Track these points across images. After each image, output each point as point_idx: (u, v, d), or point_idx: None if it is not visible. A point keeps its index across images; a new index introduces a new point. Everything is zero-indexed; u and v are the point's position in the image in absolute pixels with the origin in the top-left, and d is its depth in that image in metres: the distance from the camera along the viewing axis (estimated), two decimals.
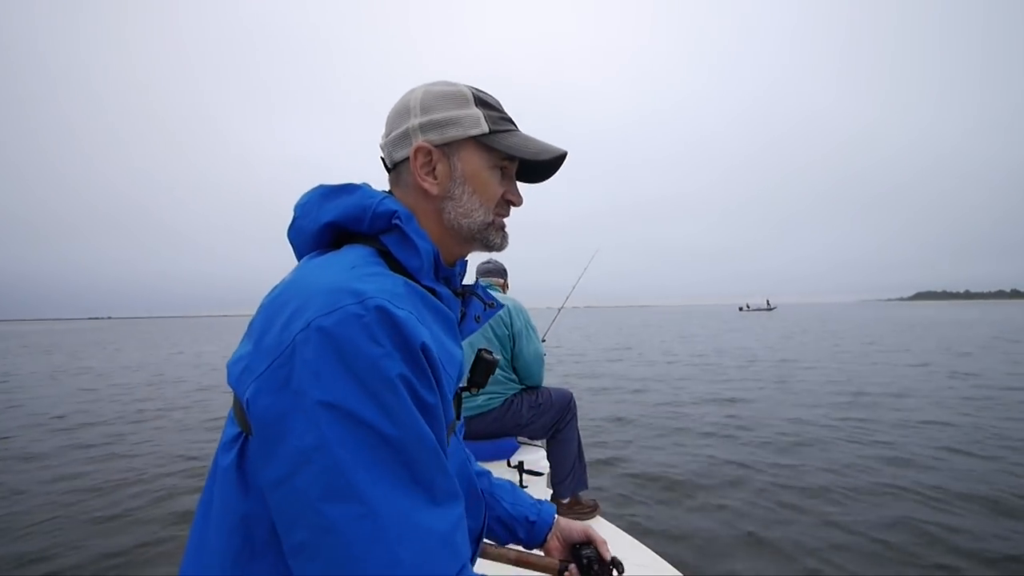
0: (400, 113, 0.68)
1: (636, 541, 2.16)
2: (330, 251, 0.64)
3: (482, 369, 0.82)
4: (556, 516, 0.94)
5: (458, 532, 0.51)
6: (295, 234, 0.68)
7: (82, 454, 4.71)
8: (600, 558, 0.87)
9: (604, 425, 5.35)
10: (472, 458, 0.93)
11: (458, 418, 0.73)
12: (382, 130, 0.71)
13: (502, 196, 0.70)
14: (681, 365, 10.64)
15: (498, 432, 2.25)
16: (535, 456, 2.23)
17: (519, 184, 0.74)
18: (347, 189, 0.65)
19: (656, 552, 2.04)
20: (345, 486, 0.45)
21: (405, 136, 0.66)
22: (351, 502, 0.45)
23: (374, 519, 0.45)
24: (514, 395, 2.30)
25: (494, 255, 2.63)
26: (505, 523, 0.90)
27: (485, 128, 0.66)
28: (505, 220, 0.72)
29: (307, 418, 0.46)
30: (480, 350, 0.84)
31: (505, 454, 2.25)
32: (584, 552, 0.88)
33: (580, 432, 2.42)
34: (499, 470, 2.19)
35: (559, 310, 3.90)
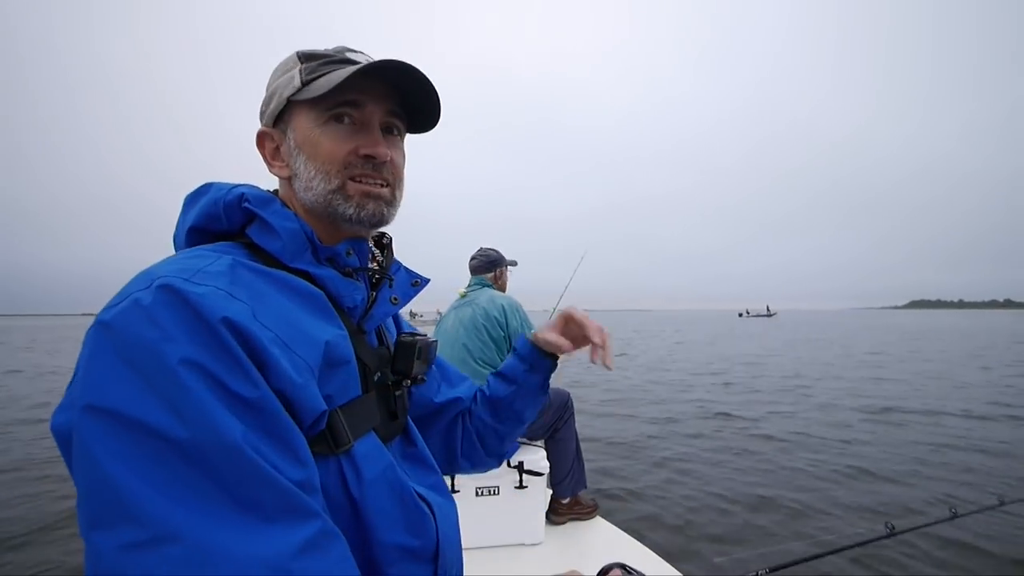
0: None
1: (636, 541, 2.17)
2: None
3: (402, 355, 0.67)
4: (532, 334, 0.87)
5: (307, 559, 0.40)
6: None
7: None
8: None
9: None
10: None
11: (396, 418, 0.65)
12: None
13: (353, 151, 0.58)
14: None
15: None
16: (535, 456, 2.23)
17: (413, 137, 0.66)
18: (202, 190, 0.59)
19: (656, 552, 2.04)
20: (118, 510, 0.36)
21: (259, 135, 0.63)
22: (127, 528, 0.35)
23: (158, 546, 0.35)
24: None
25: (482, 244, 2.59)
26: (506, 379, 0.85)
27: (297, 83, 0.57)
28: (373, 182, 0.59)
29: (77, 432, 0.38)
30: (400, 334, 0.71)
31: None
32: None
33: (578, 432, 2.42)
34: (499, 470, 2.19)
35: (552, 312, 3.87)
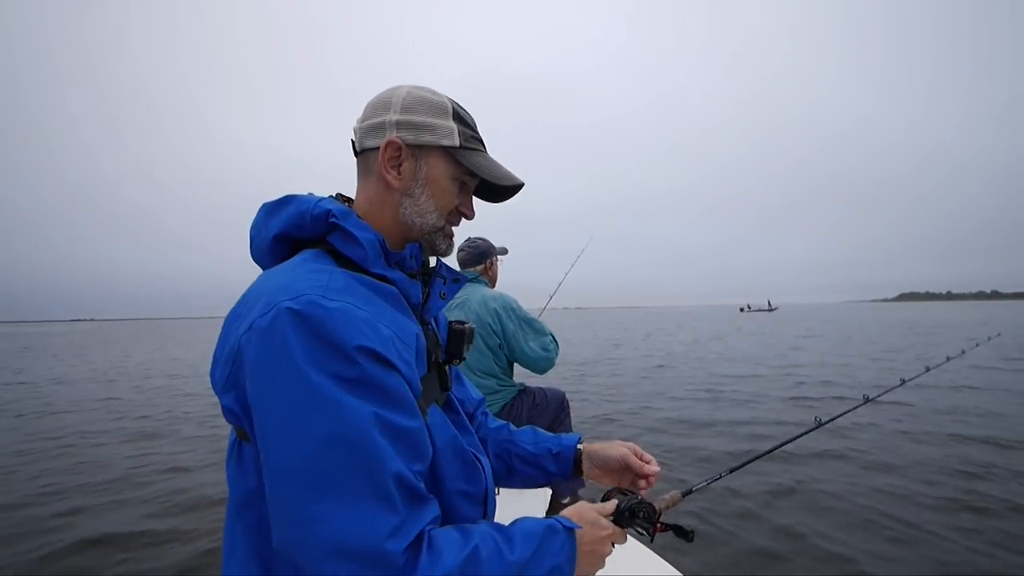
0: (380, 105, 0.71)
1: (635, 541, 2.17)
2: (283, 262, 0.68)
3: (455, 340, 0.82)
4: (582, 445, 0.96)
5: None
6: (255, 254, 0.73)
7: None
8: (642, 507, 0.77)
9: None
10: (487, 417, 0.99)
11: (445, 389, 0.76)
12: (359, 114, 0.74)
13: (456, 207, 0.75)
14: None
15: None
16: None
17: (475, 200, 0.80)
18: (286, 201, 0.70)
19: (656, 552, 2.04)
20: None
21: (379, 127, 0.70)
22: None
23: None
24: (513, 398, 2.27)
25: (472, 236, 2.48)
26: (531, 463, 0.94)
27: (456, 142, 0.71)
28: (454, 229, 0.77)
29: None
30: (451, 322, 0.84)
31: None
32: (622, 500, 0.79)
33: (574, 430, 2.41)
34: None
35: (545, 306, 3.64)
